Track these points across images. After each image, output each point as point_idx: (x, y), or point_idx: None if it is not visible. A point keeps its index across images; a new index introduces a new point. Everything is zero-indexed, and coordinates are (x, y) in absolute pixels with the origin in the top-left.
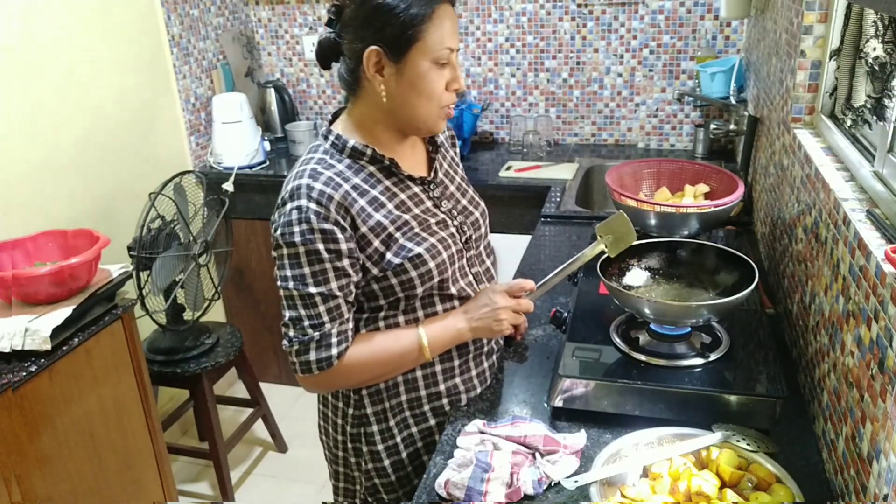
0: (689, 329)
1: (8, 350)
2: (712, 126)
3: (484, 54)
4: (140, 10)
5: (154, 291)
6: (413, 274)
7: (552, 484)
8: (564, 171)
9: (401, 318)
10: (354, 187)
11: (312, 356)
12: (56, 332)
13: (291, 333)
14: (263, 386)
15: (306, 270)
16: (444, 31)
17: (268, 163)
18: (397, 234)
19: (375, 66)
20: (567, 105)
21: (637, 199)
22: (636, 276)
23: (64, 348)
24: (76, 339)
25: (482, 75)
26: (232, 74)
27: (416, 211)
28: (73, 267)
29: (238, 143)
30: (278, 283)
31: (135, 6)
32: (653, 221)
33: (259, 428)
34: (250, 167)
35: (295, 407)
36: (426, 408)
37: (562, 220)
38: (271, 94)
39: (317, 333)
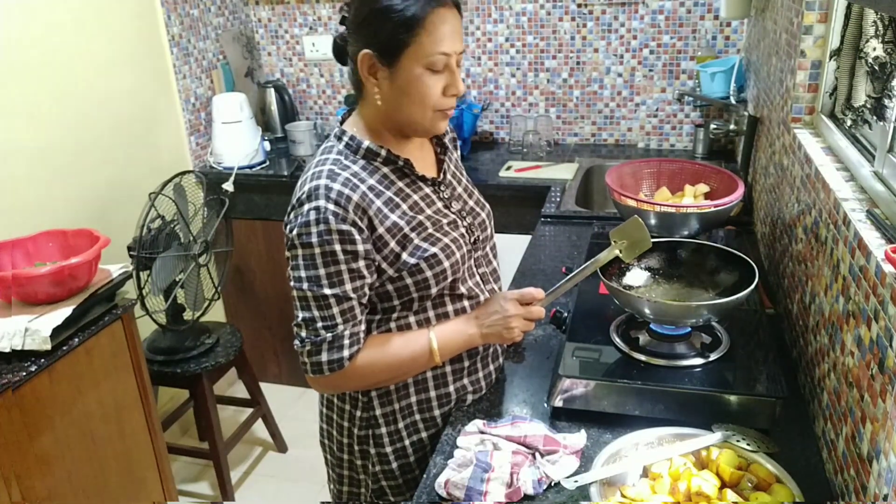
0: (689, 329)
1: (8, 350)
2: (712, 126)
3: (484, 54)
4: (140, 10)
5: (154, 291)
6: (428, 273)
7: (552, 484)
8: (564, 171)
9: (412, 319)
10: (370, 188)
11: (324, 357)
12: (56, 332)
13: (304, 334)
14: (263, 386)
15: (321, 272)
16: (439, 36)
17: (268, 163)
18: (412, 235)
19: (369, 69)
20: (567, 105)
21: (637, 199)
22: (636, 276)
23: (64, 348)
24: (76, 339)
25: (482, 75)
26: (232, 74)
27: (429, 212)
28: (73, 267)
29: (238, 143)
30: (292, 283)
31: (135, 6)
32: (653, 221)
33: (259, 428)
34: (250, 167)
35: (295, 407)
36: (436, 412)
37: (562, 220)
38: (271, 94)
39: (329, 335)
